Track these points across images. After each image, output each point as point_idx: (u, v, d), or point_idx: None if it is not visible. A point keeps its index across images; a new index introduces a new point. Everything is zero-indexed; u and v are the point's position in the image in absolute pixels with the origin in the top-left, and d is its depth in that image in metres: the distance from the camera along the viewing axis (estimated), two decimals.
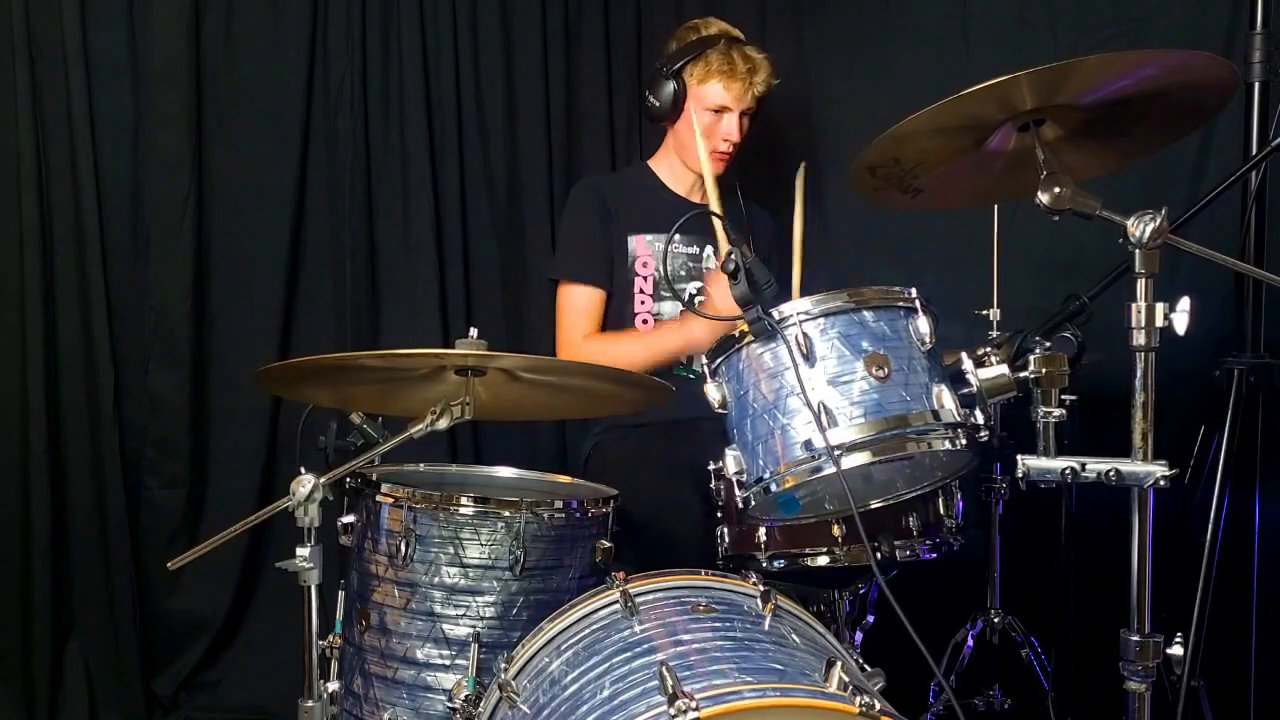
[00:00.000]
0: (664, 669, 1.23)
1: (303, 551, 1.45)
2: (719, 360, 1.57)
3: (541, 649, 1.50)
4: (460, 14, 2.76)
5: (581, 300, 2.42)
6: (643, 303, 2.43)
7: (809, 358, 1.47)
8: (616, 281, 2.44)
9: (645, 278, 2.43)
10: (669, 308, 2.43)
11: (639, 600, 1.47)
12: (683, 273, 2.44)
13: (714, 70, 2.35)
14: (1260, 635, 2.06)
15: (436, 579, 1.74)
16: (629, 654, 1.35)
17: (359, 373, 1.73)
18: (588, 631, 1.46)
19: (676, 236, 2.41)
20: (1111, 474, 1.39)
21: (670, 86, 2.38)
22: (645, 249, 2.44)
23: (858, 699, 1.17)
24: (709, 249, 2.44)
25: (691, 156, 2.44)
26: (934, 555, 1.90)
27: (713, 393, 1.56)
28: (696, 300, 2.41)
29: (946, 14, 2.67)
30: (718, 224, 2.16)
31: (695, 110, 2.38)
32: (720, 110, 2.37)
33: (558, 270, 2.50)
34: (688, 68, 2.37)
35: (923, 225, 2.48)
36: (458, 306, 2.76)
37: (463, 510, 1.75)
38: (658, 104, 2.41)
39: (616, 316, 2.44)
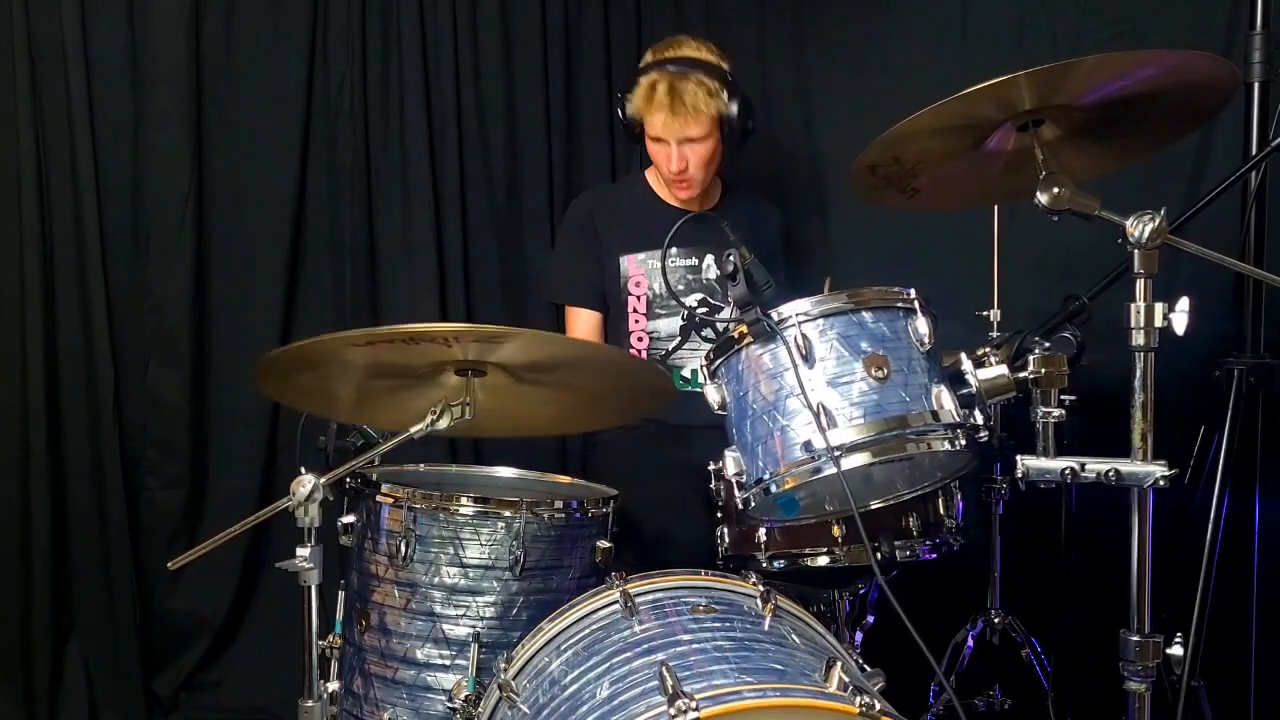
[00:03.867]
0: (664, 669, 1.23)
1: (303, 551, 1.45)
2: (718, 362, 1.57)
3: (541, 649, 1.50)
4: (460, 14, 2.76)
5: (574, 323, 2.42)
6: (637, 321, 2.40)
7: (808, 359, 1.47)
8: (610, 302, 2.42)
9: (639, 297, 2.39)
10: (664, 326, 2.39)
11: (639, 600, 1.47)
12: (680, 286, 2.38)
13: (640, 99, 2.24)
14: (1260, 635, 2.06)
15: (436, 579, 1.74)
16: (629, 654, 1.35)
17: None
18: (587, 631, 1.46)
19: (673, 250, 2.36)
20: (1111, 474, 1.39)
21: (623, 108, 2.29)
22: (637, 268, 2.39)
23: (858, 699, 1.17)
24: (709, 258, 2.37)
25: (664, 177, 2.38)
26: (934, 555, 1.90)
27: (712, 394, 1.56)
28: (698, 313, 2.35)
29: (946, 14, 2.66)
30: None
31: (646, 136, 2.30)
32: (658, 139, 2.26)
33: (548, 291, 2.52)
34: (631, 92, 2.28)
35: (923, 225, 2.47)
36: (458, 306, 2.76)
37: (463, 510, 1.75)
38: (624, 123, 2.32)
39: (613, 336, 2.42)
